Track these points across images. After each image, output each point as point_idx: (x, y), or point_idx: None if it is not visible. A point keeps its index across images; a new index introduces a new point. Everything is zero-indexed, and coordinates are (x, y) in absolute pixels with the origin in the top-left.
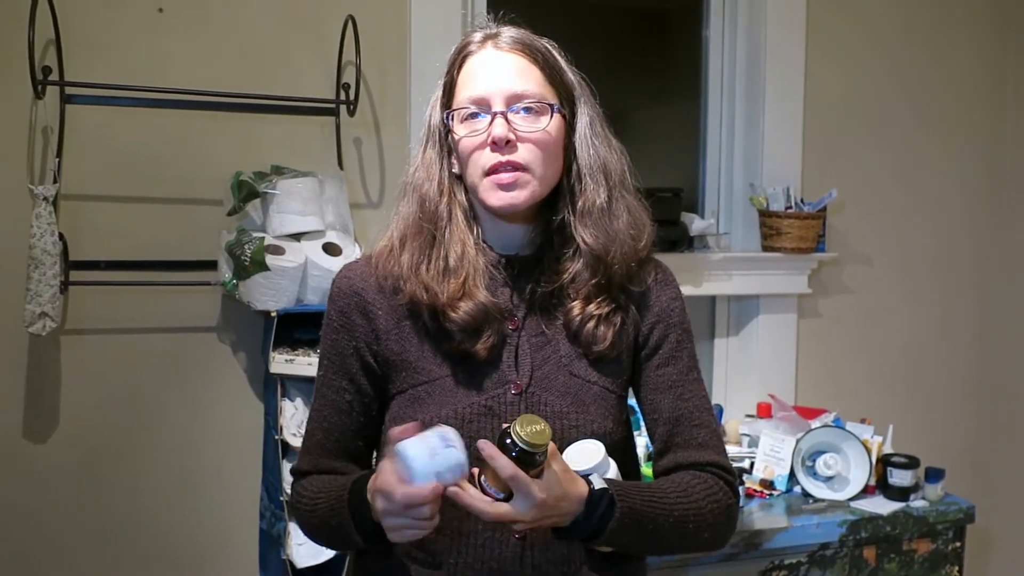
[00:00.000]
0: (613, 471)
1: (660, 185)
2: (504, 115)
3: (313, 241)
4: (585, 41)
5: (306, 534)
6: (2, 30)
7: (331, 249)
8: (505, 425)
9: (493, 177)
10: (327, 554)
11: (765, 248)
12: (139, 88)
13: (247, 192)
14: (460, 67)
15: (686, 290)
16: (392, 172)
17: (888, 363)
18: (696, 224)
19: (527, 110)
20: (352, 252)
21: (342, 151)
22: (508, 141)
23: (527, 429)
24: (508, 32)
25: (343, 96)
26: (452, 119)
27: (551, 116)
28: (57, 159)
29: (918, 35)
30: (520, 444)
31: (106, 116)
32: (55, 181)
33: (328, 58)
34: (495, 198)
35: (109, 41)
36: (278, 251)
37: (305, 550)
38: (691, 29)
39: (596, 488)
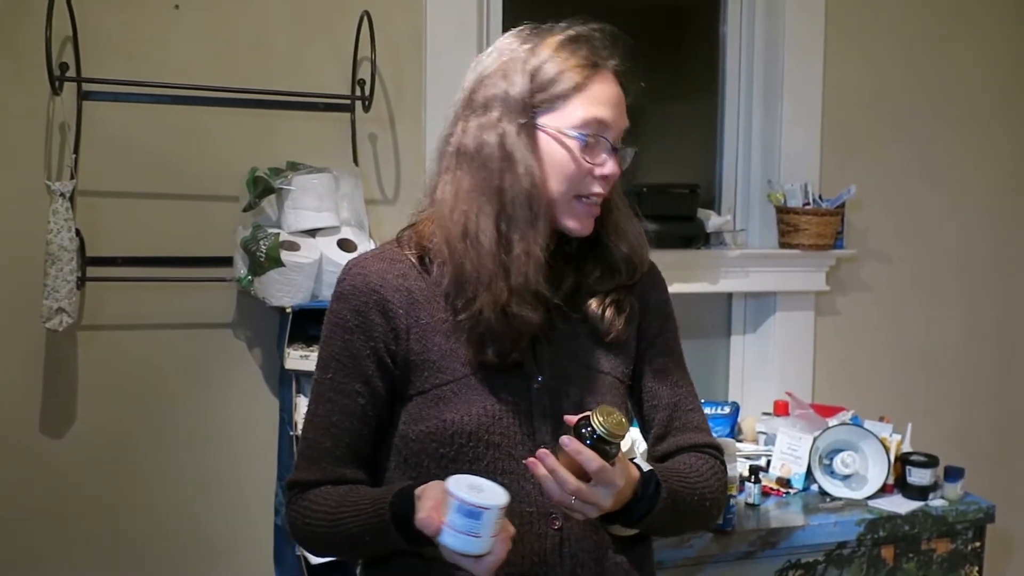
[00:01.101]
0: (638, 456)
1: (677, 181)
2: (615, 153)
3: (328, 237)
4: None
5: (304, 545)
6: (20, 27)
7: (346, 245)
8: (582, 415)
9: (588, 204)
10: None
11: (782, 245)
12: (155, 84)
13: (262, 188)
14: (590, 77)
15: (702, 287)
16: (407, 168)
17: (907, 361)
18: (713, 220)
19: (619, 151)
20: (367, 248)
21: (357, 147)
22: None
23: (609, 420)
24: (620, 51)
25: (358, 92)
26: (570, 132)
27: (634, 156)
28: (74, 155)
29: (939, 31)
30: (600, 433)
31: (123, 112)
32: (72, 177)
33: (343, 54)
34: (578, 224)
35: (126, 38)
36: (293, 247)
37: None
38: (708, 25)
39: (644, 471)
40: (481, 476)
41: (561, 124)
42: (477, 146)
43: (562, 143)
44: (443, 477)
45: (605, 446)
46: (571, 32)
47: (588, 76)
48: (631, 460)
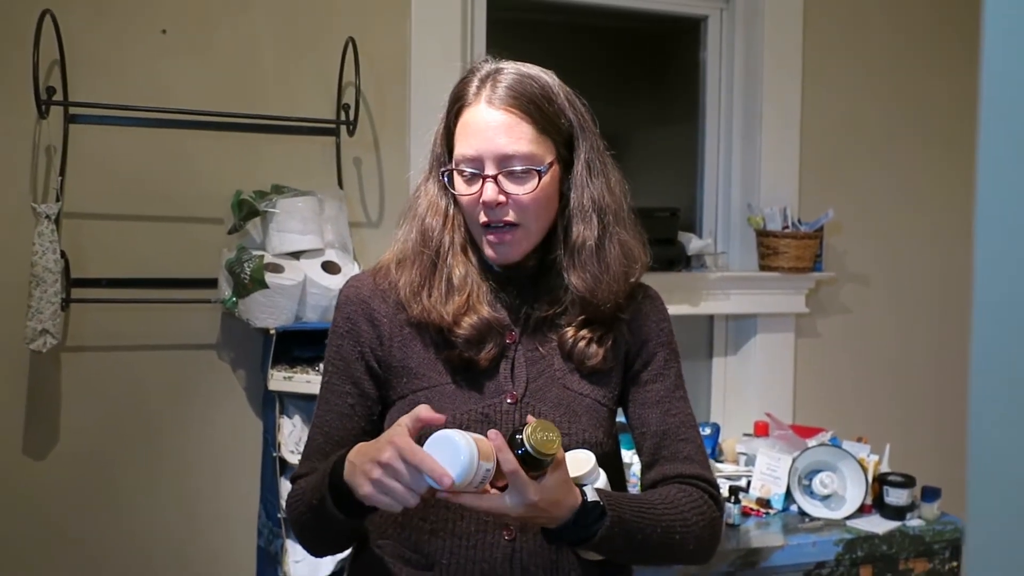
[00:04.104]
0: (602, 480)
1: (659, 205)
2: (495, 178)
3: (312, 259)
4: (585, 65)
5: (297, 535)
6: (7, 51)
7: (330, 267)
8: (522, 425)
9: (487, 235)
10: (324, 570)
11: (762, 267)
12: (142, 108)
13: (247, 211)
14: (457, 116)
15: (683, 309)
16: (391, 191)
17: (885, 382)
18: (694, 243)
19: (516, 174)
20: (351, 271)
21: (342, 171)
22: (498, 203)
23: (539, 436)
24: (503, 81)
25: (343, 116)
26: (450, 177)
27: (539, 178)
28: (60, 178)
29: (915, 56)
30: (527, 447)
31: (109, 136)
32: (57, 199)
33: (329, 79)
34: (490, 251)
35: (113, 62)
36: (277, 269)
37: (302, 567)
38: (689, 52)
39: (589, 500)
40: None
41: (454, 176)
42: (416, 196)
43: (453, 185)
44: None
45: (534, 460)
46: (456, 84)
47: (455, 115)
48: (580, 486)
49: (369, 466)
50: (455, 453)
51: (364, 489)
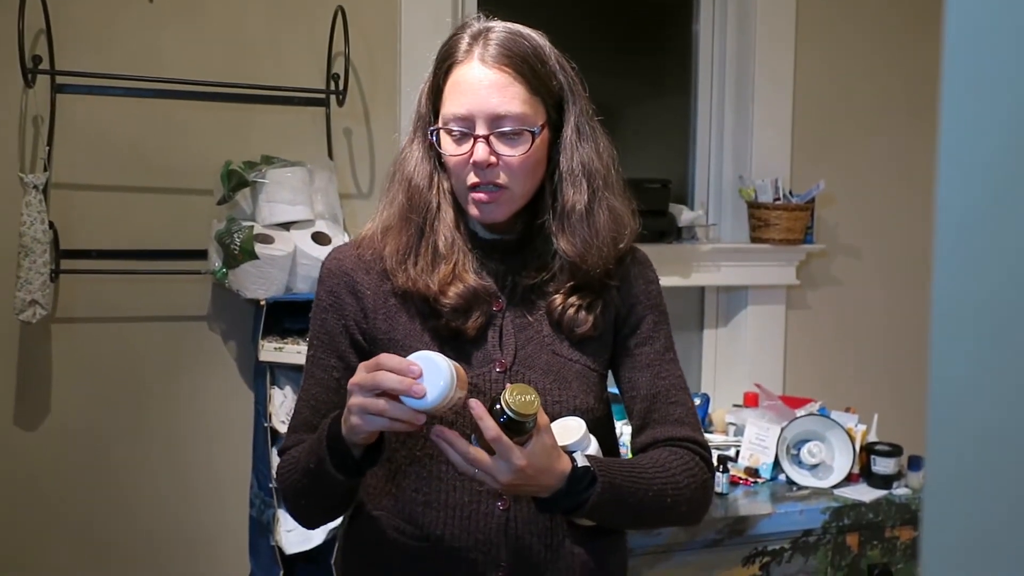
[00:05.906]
0: (594, 447)
1: (650, 176)
2: (486, 139)
3: (302, 230)
4: (578, 37)
5: (290, 505)
6: None
7: (320, 238)
8: (498, 394)
9: (474, 194)
10: (316, 540)
11: (753, 240)
12: (130, 78)
13: (237, 181)
14: (447, 75)
15: (675, 280)
16: (382, 162)
17: (874, 353)
18: (685, 215)
19: (508, 135)
20: (341, 241)
21: (332, 141)
22: (489, 164)
23: (516, 398)
24: (495, 39)
25: (333, 86)
26: (438, 135)
27: (532, 140)
28: (48, 148)
29: (908, 27)
30: (507, 411)
31: (97, 105)
32: (45, 170)
33: (318, 48)
34: (476, 212)
35: (100, 31)
36: (267, 240)
37: (294, 536)
38: (682, 24)
39: (579, 465)
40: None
41: (441, 134)
42: (402, 158)
43: (440, 148)
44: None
45: (516, 424)
46: (445, 42)
47: (444, 73)
48: (570, 453)
49: (352, 391)
50: (437, 374)
51: (351, 420)
